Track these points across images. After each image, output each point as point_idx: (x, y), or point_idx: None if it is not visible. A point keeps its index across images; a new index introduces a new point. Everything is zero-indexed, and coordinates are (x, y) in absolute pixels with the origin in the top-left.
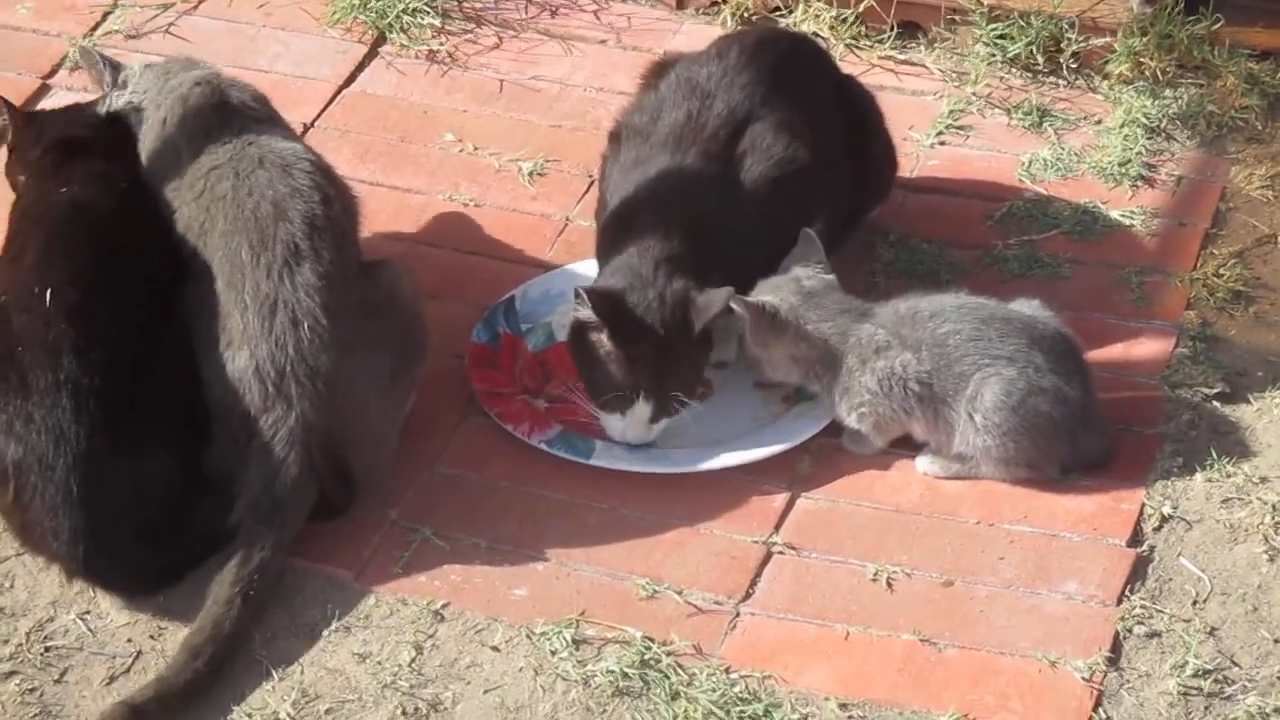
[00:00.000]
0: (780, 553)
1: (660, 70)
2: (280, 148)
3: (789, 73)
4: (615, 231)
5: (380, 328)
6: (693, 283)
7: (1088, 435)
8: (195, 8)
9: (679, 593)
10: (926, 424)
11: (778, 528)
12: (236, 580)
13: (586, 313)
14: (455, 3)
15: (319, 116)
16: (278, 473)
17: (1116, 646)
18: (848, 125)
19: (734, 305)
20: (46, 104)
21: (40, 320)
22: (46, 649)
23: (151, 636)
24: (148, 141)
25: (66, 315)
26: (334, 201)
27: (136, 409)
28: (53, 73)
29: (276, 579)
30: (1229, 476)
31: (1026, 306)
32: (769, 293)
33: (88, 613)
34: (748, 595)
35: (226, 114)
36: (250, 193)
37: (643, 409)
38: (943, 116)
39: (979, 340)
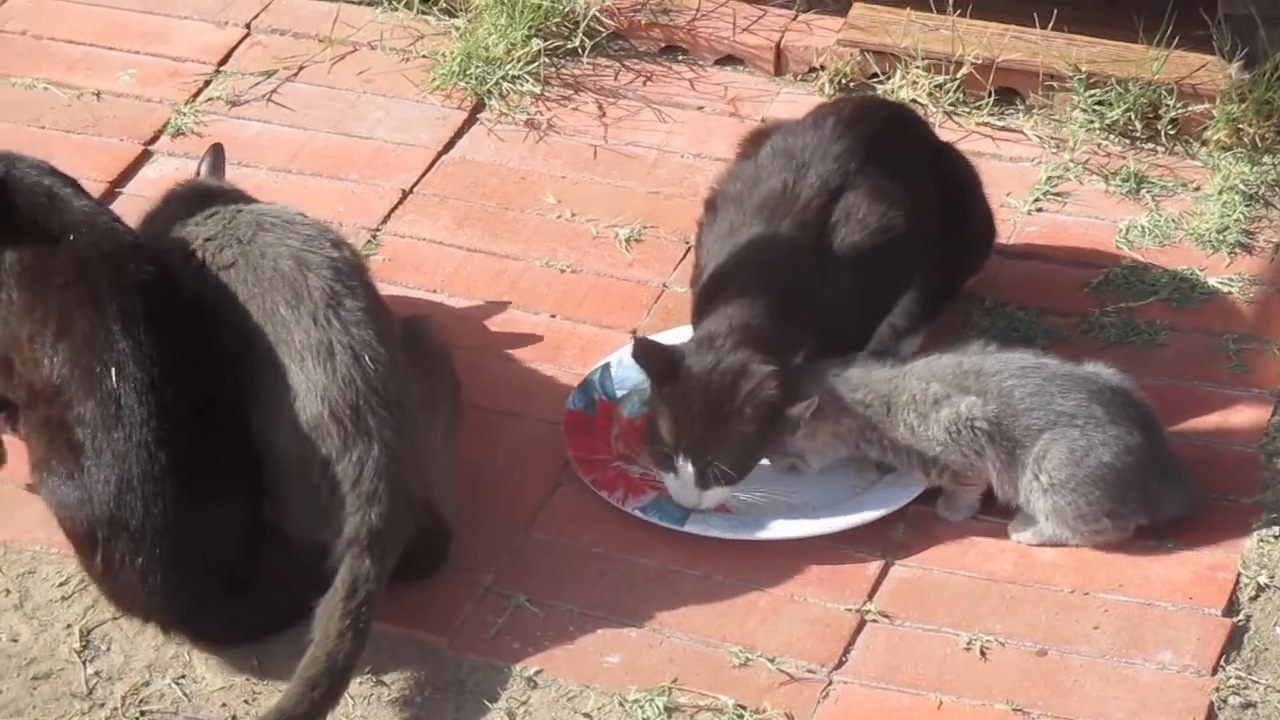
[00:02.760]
0: (874, 621)
1: (757, 138)
2: (273, 209)
3: (885, 141)
4: (708, 298)
5: (427, 369)
6: (764, 355)
7: (1163, 486)
8: (296, 74)
9: (772, 660)
10: (1001, 472)
11: (871, 595)
12: (346, 614)
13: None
14: (554, 69)
15: (418, 182)
16: (372, 505)
17: (1211, 717)
18: (946, 194)
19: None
20: (149, 171)
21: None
22: (142, 713)
23: (246, 701)
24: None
25: (135, 390)
26: (344, 246)
27: (208, 463)
28: (155, 139)
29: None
30: None
31: (1091, 367)
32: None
33: (183, 677)
34: (841, 663)
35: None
36: (264, 254)
37: (686, 471)
38: (1040, 183)
39: (1042, 395)
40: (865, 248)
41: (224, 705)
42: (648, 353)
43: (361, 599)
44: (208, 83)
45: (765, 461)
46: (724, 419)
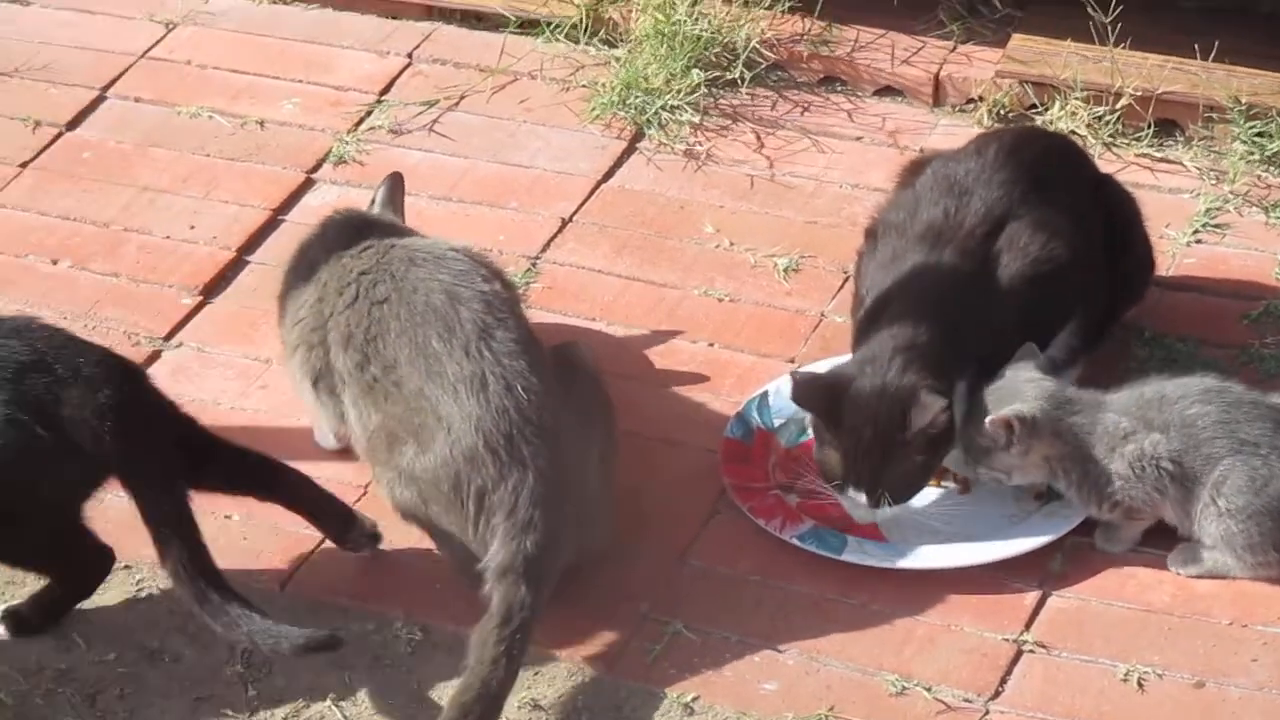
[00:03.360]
0: (1031, 651)
1: (917, 167)
2: (425, 244)
3: (1048, 171)
4: (869, 326)
5: (579, 395)
6: (930, 379)
7: None
8: (457, 104)
9: (928, 689)
10: (1177, 506)
11: (1029, 626)
12: (500, 640)
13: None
14: (712, 100)
15: (577, 211)
16: (527, 534)
17: None
18: (1106, 225)
19: (988, 425)
20: (311, 199)
21: None
22: None
23: None
24: None
25: None
26: (495, 280)
27: None
28: (317, 168)
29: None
30: None
31: (1278, 398)
32: (1009, 400)
33: (343, 700)
34: (998, 693)
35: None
36: (415, 289)
37: (857, 495)
38: (1199, 215)
39: (1226, 423)
40: (1028, 277)
41: None
42: (808, 392)
43: (516, 626)
44: (370, 112)
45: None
46: (894, 450)
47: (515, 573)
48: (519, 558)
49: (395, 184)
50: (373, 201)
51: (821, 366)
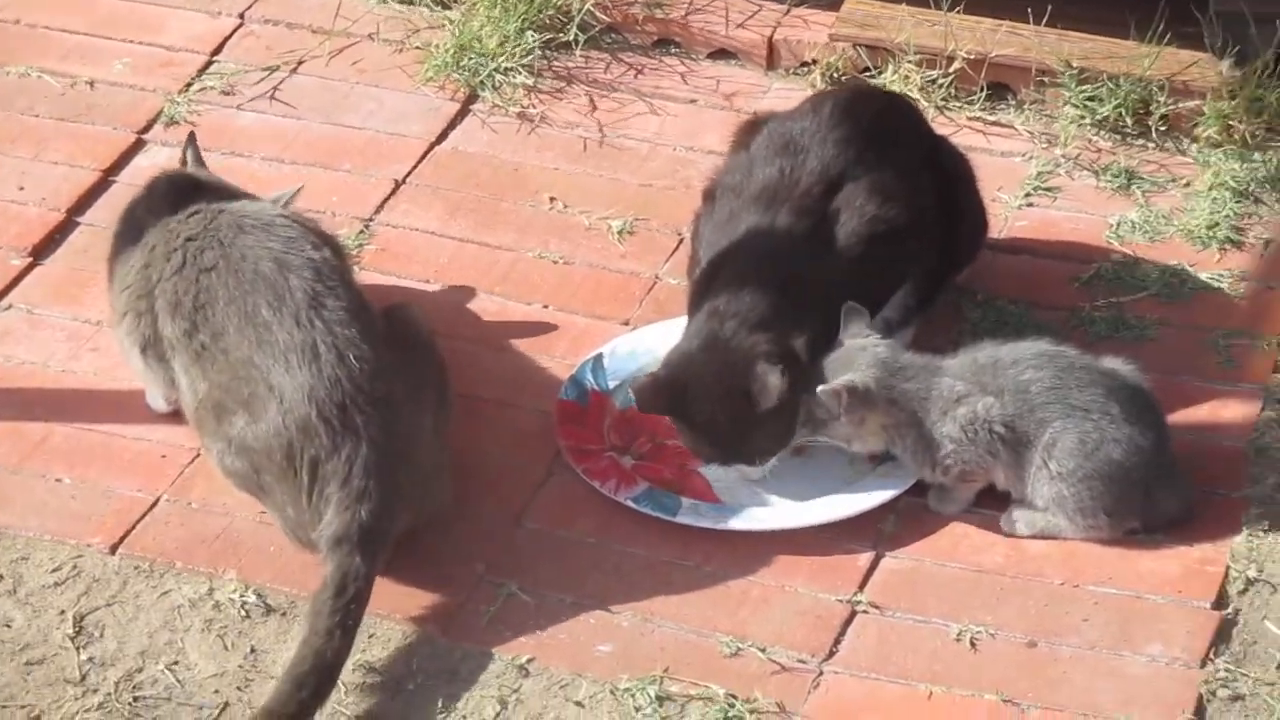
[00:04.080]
0: (864, 612)
1: (753, 128)
2: (253, 209)
3: (884, 130)
4: (705, 288)
5: (411, 360)
6: (765, 344)
7: (1164, 489)
8: (296, 69)
9: (763, 650)
10: (1009, 469)
11: (862, 587)
12: (335, 610)
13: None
14: (546, 62)
15: (411, 173)
16: (361, 503)
17: (1200, 710)
18: (941, 185)
19: (820, 394)
20: (142, 160)
21: None
22: (135, 699)
23: (238, 688)
24: None
25: None
26: (324, 246)
27: None
28: (148, 128)
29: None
30: None
31: (1109, 362)
32: (843, 370)
33: (176, 663)
34: (832, 654)
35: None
36: (244, 257)
37: (735, 468)
38: (1031, 178)
39: (1059, 389)
40: (865, 237)
41: (216, 692)
42: (652, 398)
43: (350, 596)
44: (201, 72)
45: None
46: (748, 430)
47: (349, 542)
48: (353, 527)
49: (195, 143)
50: (184, 160)
51: (654, 330)
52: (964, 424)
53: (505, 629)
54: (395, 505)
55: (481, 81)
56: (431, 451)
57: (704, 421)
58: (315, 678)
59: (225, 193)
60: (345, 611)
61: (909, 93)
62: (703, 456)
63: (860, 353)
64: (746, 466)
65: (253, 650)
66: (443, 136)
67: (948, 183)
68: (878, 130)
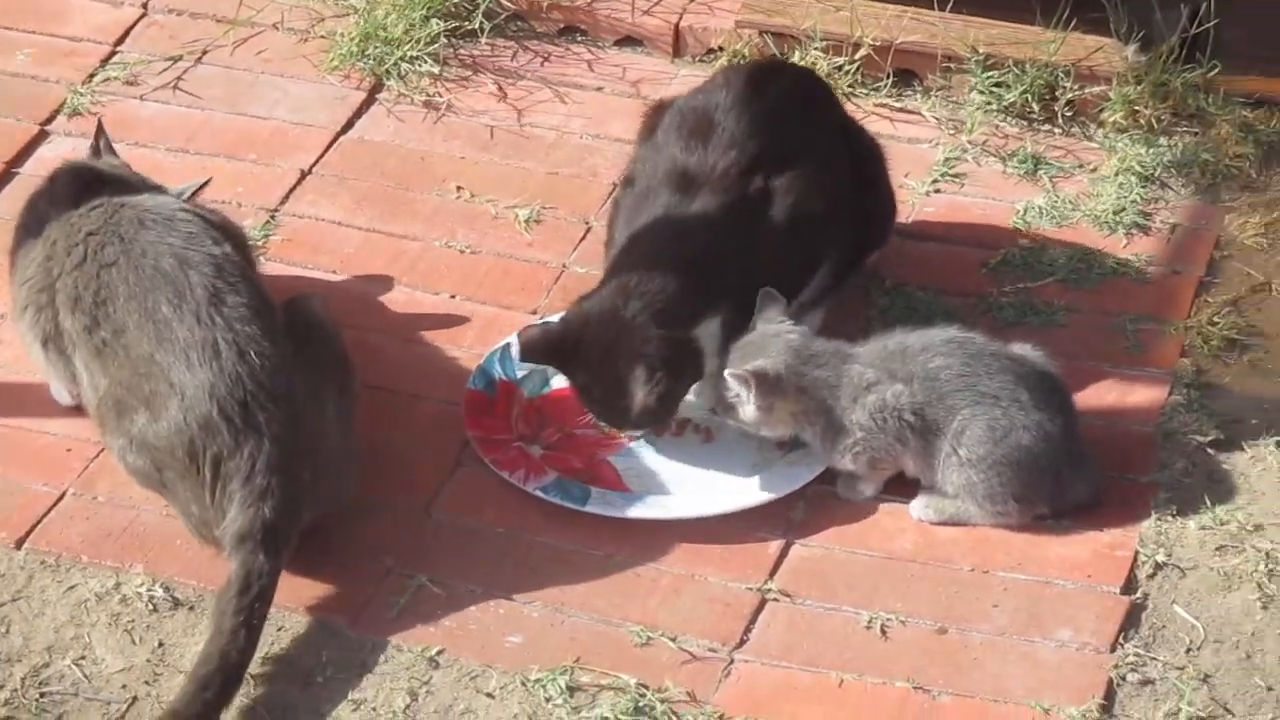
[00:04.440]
0: (775, 600)
1: (659, 112)
2: (155, 204)
3: (798, 106)
4: (621, 261)
5: (313, 353)
6: (658, 349)
7: (1073, 476)
8: (200, 59)
9: (673, 640)
10: (919, 457)
11: (772, 575)
12: (239, 609)
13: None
14: (452, 50)
15: (316, 163)
16: (264, 500)
17: (1110, 694)
18: (855, 165)
19: (729, 378)
20: (45, 151)
21: None
22: (42, 694)
23: (146, 682)
24: None
25: None
26: (225, 242)
27: None
28: (51, 119)
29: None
30: (1223, 524)
31: (1018, 348)
32: (755, 355)
33: (83, 658)
34: (742, 642)
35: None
36: (144, 253)
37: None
38: (938, 164)
39: (968, 375)
40: (784, 221)
41: (124, 687)
42: (537, 348)
43: (255, 594)
44: (104, 62)
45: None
46: (626, 411)
47: (253, 540)
48: (256, 525)
49: (103, 131)
50: (95, 150)
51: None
52: (873, 411)
53: (415, 620)
54: (299, 502)
55: (387, 70)
56: (337, 445)
57: (581, 385)
58: (221, 677)
59: (129, 185)
60: (250, 610)
61: None
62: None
63: (773, 339)
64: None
65: (160, 644)
66: (349, 126)
67: (861, 163)
68: (792, 106)
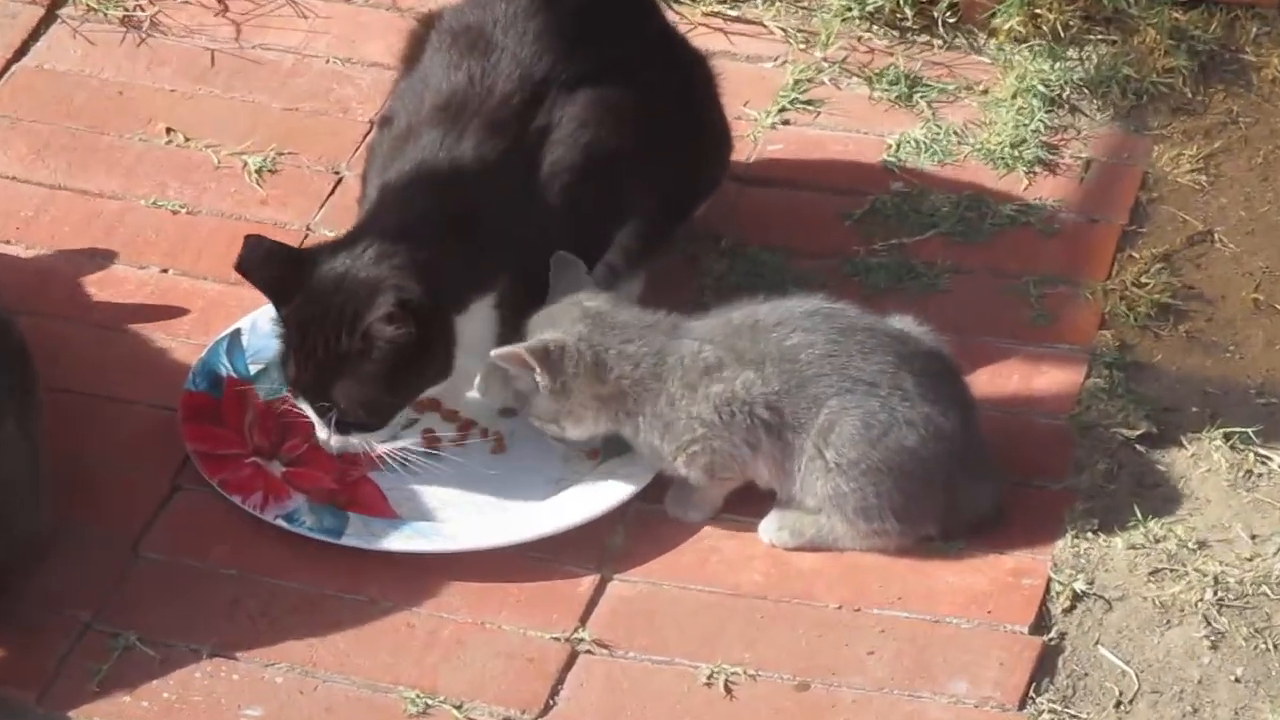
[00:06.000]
0: (588, 652)
1: (425, 32)
2: None
3: (599, 20)
4: (368, 226)
5: None
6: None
7: (971, 483)
8: None
9: (458, 707)
10: (773, 463)
11: (584, 620)
12: None
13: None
14: None
15: None
16: None
17: None
18: (675, 93)
19: (497, 359)
20: None
21: None
22: None
23: None
24: None
25: None
26: None
27: None
28: None
29: None
30: (1158, 542)
31: (899, 322)
32: (546, 328)
33: None
34: (548, 708)
35: None
36: None
37: (309, 413)
38: (786, 88)
39: (835, 357)
40: (579, 166)
41: None
42: (258, 257)
43: None
44: None
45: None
46: (343, 356)
47: None
48: None
49: None
50: None
51: None
52: (718, 404)
53: (122, 692)
54: None
55: None
56: (18, 468)
57: (296, 317)
58: None
59: None
60: None
61: None
62: (285, 374)
63: (568, 307)
64: (317, 424)
65: None
66: (22, 51)
67: (685, 87)
68: (591, 20)
